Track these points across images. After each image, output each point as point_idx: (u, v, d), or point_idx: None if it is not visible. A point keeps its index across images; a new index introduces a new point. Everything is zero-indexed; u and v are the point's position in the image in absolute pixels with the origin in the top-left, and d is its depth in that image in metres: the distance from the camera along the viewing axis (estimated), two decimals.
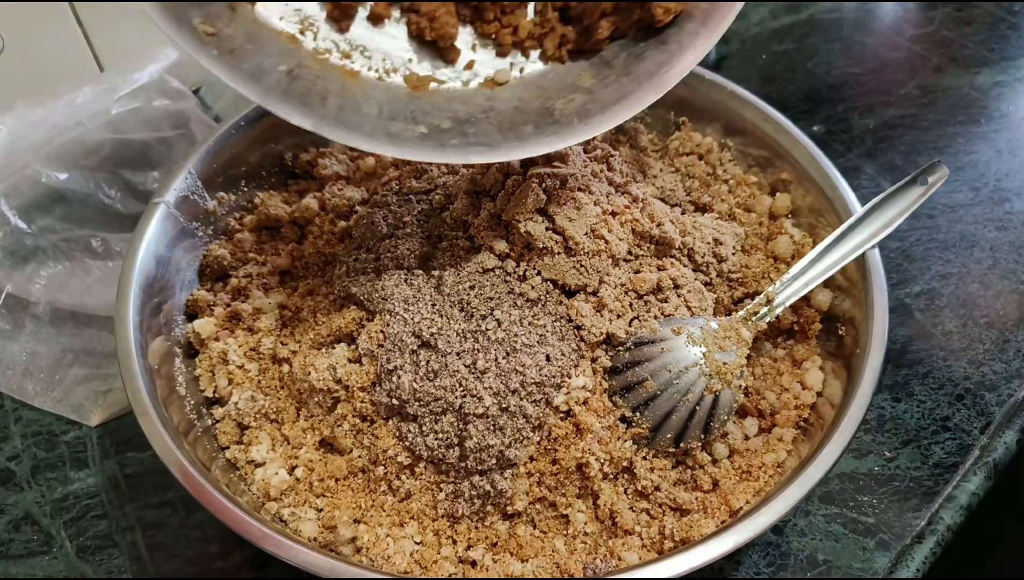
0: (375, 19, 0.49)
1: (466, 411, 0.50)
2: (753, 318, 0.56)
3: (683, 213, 0.64)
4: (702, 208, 0.66)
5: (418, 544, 0.50)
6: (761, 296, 0.57)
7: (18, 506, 0.59)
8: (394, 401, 0.51)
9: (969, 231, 0.75)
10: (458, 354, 0.51)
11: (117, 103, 0.73)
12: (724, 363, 0.53)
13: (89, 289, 0.68)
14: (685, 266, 0.59)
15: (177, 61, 0.77)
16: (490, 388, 0.50)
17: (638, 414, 0.52)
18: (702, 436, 0.53)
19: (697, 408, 0.52)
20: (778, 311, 0.56)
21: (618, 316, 0.55)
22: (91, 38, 0.78)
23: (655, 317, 0.56)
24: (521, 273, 0.55)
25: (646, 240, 0.58)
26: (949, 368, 0.65)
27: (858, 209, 0.58)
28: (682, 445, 0.53)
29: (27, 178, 0.69)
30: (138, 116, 0.74)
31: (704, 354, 0.53)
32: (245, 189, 0.67)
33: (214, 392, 0.57)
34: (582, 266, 0.55)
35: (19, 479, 0.60)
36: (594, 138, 0.59)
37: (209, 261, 0.62)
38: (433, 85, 0.51)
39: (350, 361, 0.54)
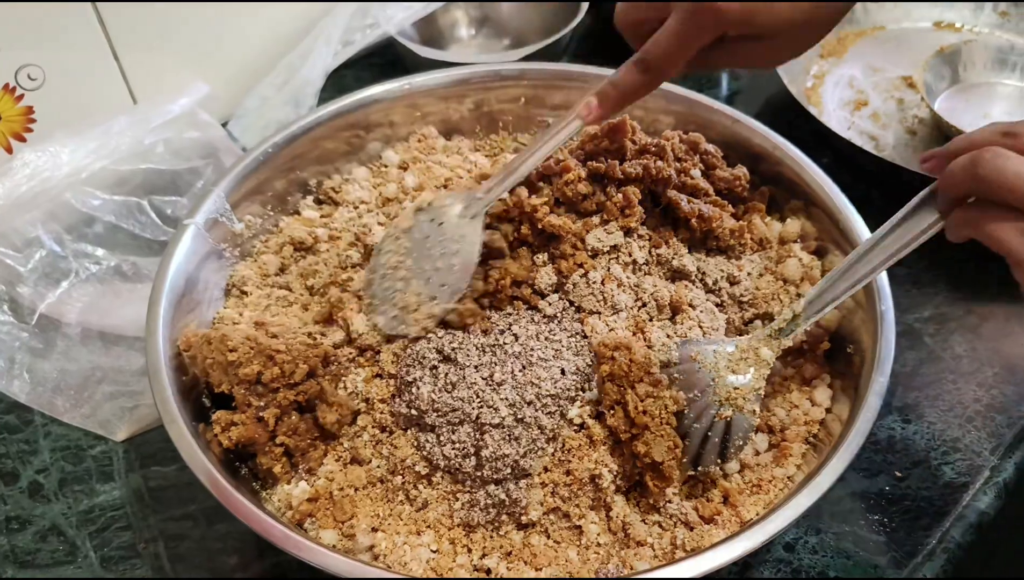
0: None
1: (483, 421, 0.51)
2: (776, 335, 0.55)
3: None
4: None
5: (434, 552, 0.51)
6: (786, 310, 0.54)
7: (45, 517, 0.60)
8: (413, 411, 0.53)
9: (978, 258, 0.76)
10: (476, 367, 0.53)
11: (149, 134, 0.76)
12: (735, 388, 0.53)
13: (119, 310, 0.70)
14: (698, 288, 0.61)
15: (208, 95, 0.80)
16: (506, 399, 0.51)
17: None
18: (718, 460, 0.53)
19: (709, 434, 0.53)
20: (806, 325, 0.54)
21: (632, 334, 0.56)
22: (126, 72, 0.82)
23: (668, 336, 0.57)
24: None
25: (663, 266, 0.60)
26: (959, 390, 0.66)
27: (865, 232, 0.60)
28: (700, 468, 0.53)
29: (63, 204, 0.72)
30: (169, 146, 0.77)
31: (714, 379, 0.54)
32: (271, 213, 0.69)
33: None
34: (600, 294, 0.57)
35: (47, 491, 0.62)
36: None
37: (235, 281, 0.65)
38: None
39: (371, 376, 0.55)
